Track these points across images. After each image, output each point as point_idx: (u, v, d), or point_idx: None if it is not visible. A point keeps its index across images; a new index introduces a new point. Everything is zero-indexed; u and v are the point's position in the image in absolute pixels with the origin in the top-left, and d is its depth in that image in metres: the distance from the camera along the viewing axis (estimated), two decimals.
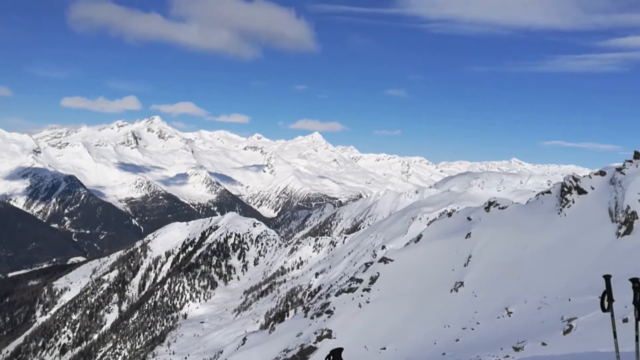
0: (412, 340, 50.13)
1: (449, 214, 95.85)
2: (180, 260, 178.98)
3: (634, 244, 53.75)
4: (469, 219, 75.01)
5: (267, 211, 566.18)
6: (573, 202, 65.20)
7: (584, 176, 70.71)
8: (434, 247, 69.58)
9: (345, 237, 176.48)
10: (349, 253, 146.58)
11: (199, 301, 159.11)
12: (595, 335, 34.84)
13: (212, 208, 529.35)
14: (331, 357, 2.38)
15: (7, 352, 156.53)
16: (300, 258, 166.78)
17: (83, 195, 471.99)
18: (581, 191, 66.15)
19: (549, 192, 74.04)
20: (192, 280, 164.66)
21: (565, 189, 67.65)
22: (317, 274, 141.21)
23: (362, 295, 64.40)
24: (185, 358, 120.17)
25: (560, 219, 64.13)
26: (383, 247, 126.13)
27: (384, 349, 51.97)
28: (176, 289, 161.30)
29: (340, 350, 2.44)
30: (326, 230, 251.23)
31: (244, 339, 70.89)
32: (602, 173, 68.88)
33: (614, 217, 59.22)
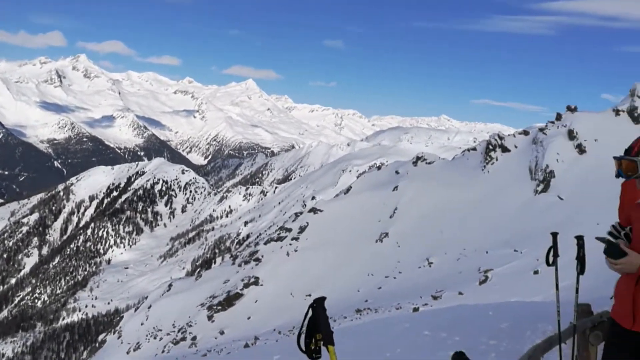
0: (337, 288, 51.41)
1: (379, 167, 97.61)
2: (104, 205, 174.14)
3: (550, 200, 56.88)
4: (397, 172, 76.61)
5: (197, 158, 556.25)
6: (497, 160, 67.84)
7: (508, 135, 73.48)
8: (363, 199, 70.85)
9: (276, 187, 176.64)
10: (279, 203, 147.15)
11: (124, 247, 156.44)
12: (508, 285, 36.91)
13: (138, 153, 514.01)
14: (314, 305, 2.26)
15: None
16: (229, 206, 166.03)
17: (1, 134, 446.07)
18: (505, 149, 68.84)
19: (474, 149, 76.57)
20: (117, 226, 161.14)
21: (490, 147, 70.16)
22: (246, 223, 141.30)
23: (290, 244, 65.01)
24: (108, 303, 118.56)
25: (484, 175, 66.74)
26: (313, 198, 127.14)
27: (309, 295, 53.02)
28: (100, 234, 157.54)
29: (323, 299, 2.32)
30: (257, 179, 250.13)
31: (170, 285, 70.46)
32: (525, 133, 71.79)
33: (534, 175, 62.25)
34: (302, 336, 2.31)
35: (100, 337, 74.27)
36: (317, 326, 2.26)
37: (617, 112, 65.10)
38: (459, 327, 7.13)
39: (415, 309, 32.04)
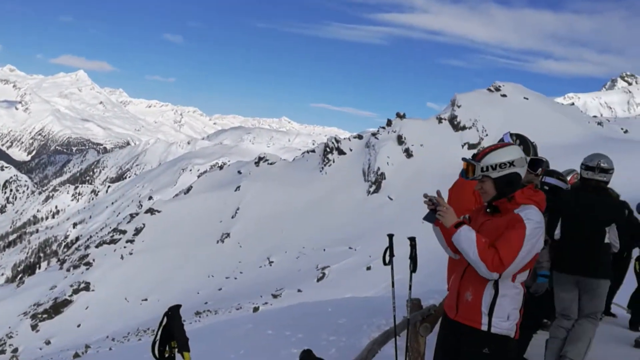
0: (175, 291, 50.18)
1: (220, 167, 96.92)
2: None
3: (381, 200, 60.87)
4: (239, 172, 76.78)
5: (19, 154, 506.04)
6: (334, 162, 70.92)
7: (344, 139, 77.23)
8: (204, 199, 69.92)
9: (109, 186, 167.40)
10: (113, 203, 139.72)
11: None
12: (343, 281, 38.80)
13: None
14: (170, 313, 2.28)
15: None
16: (56, 207, 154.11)
17: None
18: (341, 152, 72.23)
19: (313, 151, 79.34)
20: None
21: (328, 149, 73.20)
22: (75, 224, 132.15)
23: (125, 247, 62.35)
24: None
25: (322, 176, 69.40)
26: (150, 198, 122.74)
27: (146, 300, 51.24)
28: None
29: (178, 307, 2.34)
30: (88, 178, 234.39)
31: None
32: (359, 137, 75.97)
33: (367, 176, 66.15)
34: (157, 344, 2.35)
35: None
36: (172, 334, 2.32)
37: (440, 119, 71.45)
38: (301, 325, 7.39)
39: (256, 309, 32.38)
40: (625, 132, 72.47)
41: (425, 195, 3.24)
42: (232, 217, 63.94)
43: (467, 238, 3.01)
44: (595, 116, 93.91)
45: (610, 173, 4.96)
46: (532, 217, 3.04)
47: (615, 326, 7.61)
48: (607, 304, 8.22)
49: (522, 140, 4.19)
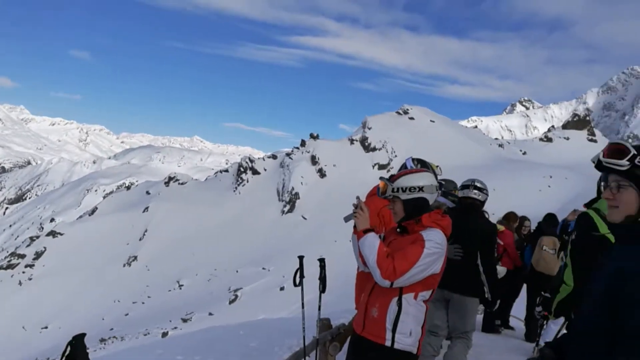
0: (78, 317, 47.67)
1: (128, 187, 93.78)
2: None
3: (295, 220, 61.06)
4: (148, 193, 74.47)
5: None
6: (247, 182, 70.50)
7: (258, 158, 77.05)
8: (110, 221, 67.16)
9: (7, 208, 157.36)
10: (11, 226, 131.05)
11: None
12: (256, 303, 38.42)
13: None
14: (73, 342, 2.19)
15: None
16: None
17: None
18: (255, 172, 71.96)
19: (226, 170, 78.51)
20: None
21: (242, 169, 72.72)
22: None
23: (24, 272, 58.58)
24: None
25: (236, 196, 68.73)
26: (52, 220, 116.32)
27: (46, 328, 48.28)
28: None
29: (82, 335, 2.25)
30: None
31: None
32: (274, 157, 76.10)
33: (281, 196, 66.22)
34: None
35: None
36: None
37: (351, 141, 73.03)
38: (212, 349, 7.24)
39: (165, 334, 31.34)
40: (524, 153, 77.28)
41: (357, 198, 3.41)
42: (140, 239, 61.82)
43: (370, 244, 3.17)
44: (496, 138, 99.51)
45: (485, 193, 5.13)
46: (432, 238, 3.22)
47: (513, 338, 8.05)
48: (505, 317, 8.68)
49: (422, 165, 4.37)
